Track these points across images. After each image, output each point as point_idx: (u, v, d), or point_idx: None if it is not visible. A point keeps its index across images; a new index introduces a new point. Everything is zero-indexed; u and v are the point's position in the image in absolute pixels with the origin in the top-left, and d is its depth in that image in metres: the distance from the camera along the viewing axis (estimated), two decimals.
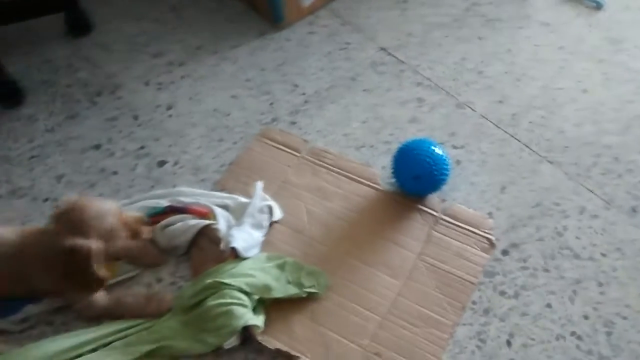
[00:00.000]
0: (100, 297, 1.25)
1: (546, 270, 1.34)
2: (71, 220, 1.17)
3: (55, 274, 1.18)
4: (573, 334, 1.25)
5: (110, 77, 1.77)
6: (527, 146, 1.57)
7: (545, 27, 1.89)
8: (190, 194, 1.44)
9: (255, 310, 1.24)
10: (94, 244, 1.16)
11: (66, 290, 1.23)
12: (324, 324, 1.25)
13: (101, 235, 1.18)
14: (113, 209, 1.22)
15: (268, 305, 1.27)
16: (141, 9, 1.97)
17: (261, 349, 1.21)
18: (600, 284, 1.32)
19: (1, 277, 1.22)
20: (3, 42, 1.85)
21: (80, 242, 1.15)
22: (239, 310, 1.20)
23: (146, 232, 1.30)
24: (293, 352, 1.20)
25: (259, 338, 1.21)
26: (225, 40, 1.87)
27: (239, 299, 1.21)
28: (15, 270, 1.20)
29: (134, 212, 1.31)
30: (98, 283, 1.20)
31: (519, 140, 1.59)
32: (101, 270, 1.18)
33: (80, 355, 1.19)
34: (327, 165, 1.53)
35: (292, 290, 1.27)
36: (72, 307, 1.26)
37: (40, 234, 1.22)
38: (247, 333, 1.22)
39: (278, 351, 1.21)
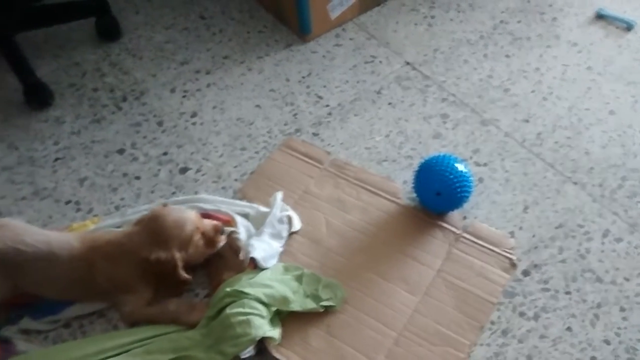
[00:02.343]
0: (146, 302, 1.27)
1: (567, 293, 1.32)
2: (152, 231, 1.24)
3: (122, 278, 1.24)
4: (593, 359, 1.22)
5: (137, 83, 1.79)
6: (551, 166, 1.56)
7: (574, 47, 1.87)
8: (212, 201, 1.45)
9: (272, 322, 1.24)
10: (177, 254, 1.23)
11: (122, 294, 1.26)
12: (340, 338, 1.25)
13: (180, 244, 1.24)
14: (191, 217, 1.27)
15: (284, 316, 1.26)
16: (170, 18, 1.99)
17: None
18: (622, 309, 1.29)
19: (64, 281, 1.25)
20: (33, 45, 1.88)
21: (164, 254, 1.22)
22: (257, 320, 1.20)
23: (222, 240, 1.33)
24: None
25: (274, 352, 1.20)
26: (252, 51, 1.88)
27: (257, 309, 1.21)
28: (77, 274, 1.24)
29: (211, 220, 1.34)
30: (182, 285, 1.29)
31: (543, 160, 1.57)
32: (184, 274, 1.26)
33: None
34: (349, 178, 1.52)
35: (310, 305, 1.27)
36: (119, 311, 1.28)
37: (110, 241, 1.27)
38: (262, 345, 1.21)
39: None
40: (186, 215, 1.27)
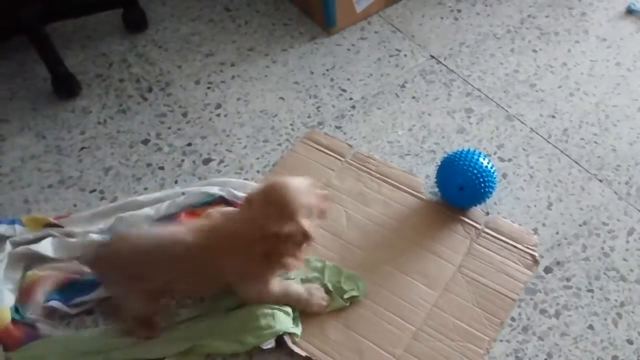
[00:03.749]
0: (275, 284, 1.21)
1: (590, 291, 1.30)
2: (276, 203, 1.10)
3: (249, 261, 1.13)
4: (615, 358, 1.21)
5: (162, 74, 1.80)
6: (577, 162, 1.53)
7: (603, 42, 1.84)
8: (241, 186, 1.46)
9: (294, 320, 1.24)
10: (307, 224, 1.09)
11: (253, 277, 1.19)
12: (358, 331, 1.25)
13: (307, 213, 1.11)
14: (310, 184, 1.14)
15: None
16: (196, 10, 2.00)
17: (294, 352, 1.21)
18: None
19: (190, 276, 1.17)
20: (62, 36, 1.91)
21: (294, 226, 1.08)
22: (282, 316, 1.21)
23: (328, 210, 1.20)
24: (324, 358, 1.20)
25: (290, 344, 1.21)
26: (277, 43, 1.88)
27: (283, 306, 1.23)
28: (202, 267, 1.15)
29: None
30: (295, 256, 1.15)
31: (569, 156, 1.55)
32: (311, 232, 1.11)
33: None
34: (371, 171, 1.52)
35: (337, 301, 1.27)
36: (241, 294, 1.23)
37: (226, 225, 1.16)
38: (281, 337, 1.22)
39: (309, 358, 1.21)
40: (305, 182, 1.14)
